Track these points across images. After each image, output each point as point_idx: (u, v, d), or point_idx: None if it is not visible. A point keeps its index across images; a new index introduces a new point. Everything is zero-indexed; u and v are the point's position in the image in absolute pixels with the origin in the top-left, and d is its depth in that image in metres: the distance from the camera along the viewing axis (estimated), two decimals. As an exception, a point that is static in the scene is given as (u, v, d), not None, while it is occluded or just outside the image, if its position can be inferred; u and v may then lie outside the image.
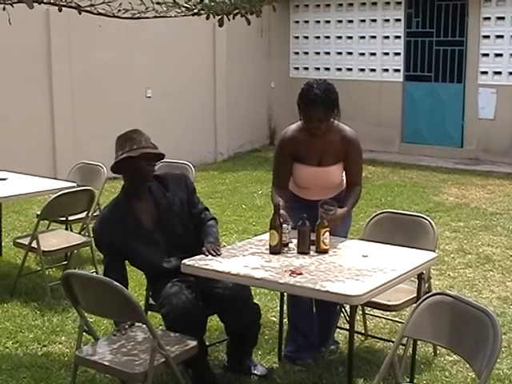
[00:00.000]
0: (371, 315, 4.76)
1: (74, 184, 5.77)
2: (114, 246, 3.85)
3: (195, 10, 4.02)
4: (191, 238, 3.97)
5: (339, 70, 12.31)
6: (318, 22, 12.47)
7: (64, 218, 5.87)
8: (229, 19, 4.02)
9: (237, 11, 3.95)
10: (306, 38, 12.63)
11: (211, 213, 4.15)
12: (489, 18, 10.93)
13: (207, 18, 4.04)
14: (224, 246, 4.17)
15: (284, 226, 3.82)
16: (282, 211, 3.88)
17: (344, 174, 4.27)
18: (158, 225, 3.90)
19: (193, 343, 3.51)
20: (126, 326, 3.64)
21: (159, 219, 3.90)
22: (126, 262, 3.97)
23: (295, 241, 3.85)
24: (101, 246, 3.98)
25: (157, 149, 3.89)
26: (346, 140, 4.14)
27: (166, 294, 3.76)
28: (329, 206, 3.92)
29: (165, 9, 4.12)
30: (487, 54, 10.99)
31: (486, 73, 11.03)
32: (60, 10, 4.23)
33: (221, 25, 3.98)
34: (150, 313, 4.12)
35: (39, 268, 5.63)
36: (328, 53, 12.43)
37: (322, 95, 3.96)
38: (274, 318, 4.89)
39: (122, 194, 3.96)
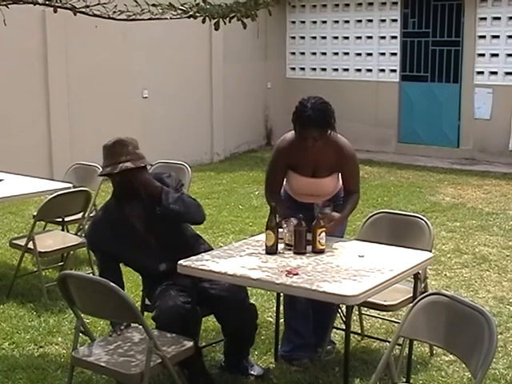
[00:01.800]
0: (367, 315, 4.76)
1: (71, 185, 5.76)
2: (106, 251, 3.86)
3: (191, 13, 4.02)
4: (184, 239, 3.98)
5: (336, 70, 12.32)
6: (315, 22, 12.47)
7: (60, 219, 5.86)
8: (225, 22, 4.03)
9: (233, 14, 3.95)
10: (303, 38, 12.64)
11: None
12: (485, 19, 10.94)
13: (203, 22, 4.05)
14: (221, 246, 4.17)
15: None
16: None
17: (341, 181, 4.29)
18: (149, 228, 3.89)
19: (189, 344, 3.52)
20: (122, 327, 3.64)
21: (150, 222, 3.88)
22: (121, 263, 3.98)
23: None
24: (94, 250, 4.00)
25: (137, 160, 3.77)
26: (342, 155, 4.12)
27: (158, 297, 3.77)
28: (323, 210, 3.93)
29: (160, 11, 4.12)
30: (483, 54, 11.00)
31: (482, 73, 11.04)
32: (55, 11, 4.22)
33: (217, 28, 3.98)
34: (146, 313, 4.12)
35: (35, 269, 5.63)
36: (324, 53, 12.43)
37: (315, 116, 3.93)
38: (270, 319, 4.89)
39: (112, 199, 3.97)
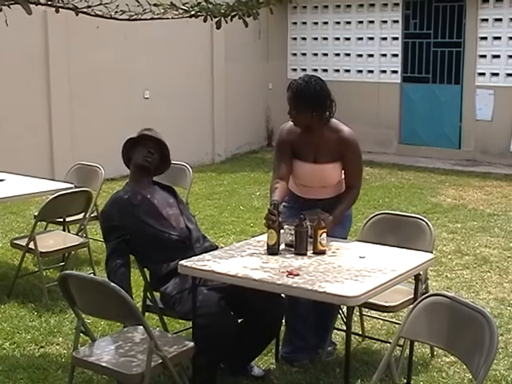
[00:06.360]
0: (368, 316, 4.76)
1: (72, 185, 5.76)
2: (121, 226, 3.93)
3: (192, 12, 4.02)
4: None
5: (337, 71, 12.32)
6: (316, 23, 12.47)
7: (61, 219, 5.87)
8: (226, 21, 4.04)
9: (234, 13, 3.96)
10: (304, 39, 12.64)
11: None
12: (486, 20, 10.94)
13: (205, 21, 4.05)
14: (222, 247, 4.18)
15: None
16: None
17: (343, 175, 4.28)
18: (167, 202, 4.12)
19: (190, 344, 3.51)
20: None
21: (168, 198, 4.15)
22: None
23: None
24: (109, 226, 4.02)
25: (159, 139, 4.29)
26: (342, 140, 4.13)
27: (202, 304, 3.69)
28: (311, 216, 3.87)
29: (162, 10, 4.13)
30: (485, 56, 11.00)
31: (483, 74, 11.04)
32: (57, 12, 4.23)
33: (218, 27, 3.99)
34: (147, 314, 4.12)
35: (36, 269, 5.63)
36: (326, 54, 12.43)
37: (296, 85, 4.10)
38: (271, 319, 4.88)
39: (129, 182, 4.19)
